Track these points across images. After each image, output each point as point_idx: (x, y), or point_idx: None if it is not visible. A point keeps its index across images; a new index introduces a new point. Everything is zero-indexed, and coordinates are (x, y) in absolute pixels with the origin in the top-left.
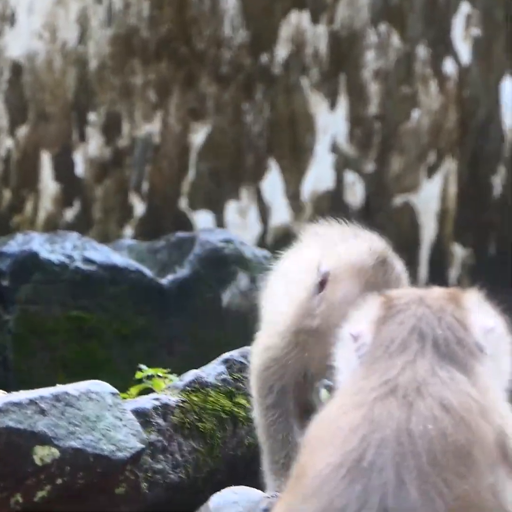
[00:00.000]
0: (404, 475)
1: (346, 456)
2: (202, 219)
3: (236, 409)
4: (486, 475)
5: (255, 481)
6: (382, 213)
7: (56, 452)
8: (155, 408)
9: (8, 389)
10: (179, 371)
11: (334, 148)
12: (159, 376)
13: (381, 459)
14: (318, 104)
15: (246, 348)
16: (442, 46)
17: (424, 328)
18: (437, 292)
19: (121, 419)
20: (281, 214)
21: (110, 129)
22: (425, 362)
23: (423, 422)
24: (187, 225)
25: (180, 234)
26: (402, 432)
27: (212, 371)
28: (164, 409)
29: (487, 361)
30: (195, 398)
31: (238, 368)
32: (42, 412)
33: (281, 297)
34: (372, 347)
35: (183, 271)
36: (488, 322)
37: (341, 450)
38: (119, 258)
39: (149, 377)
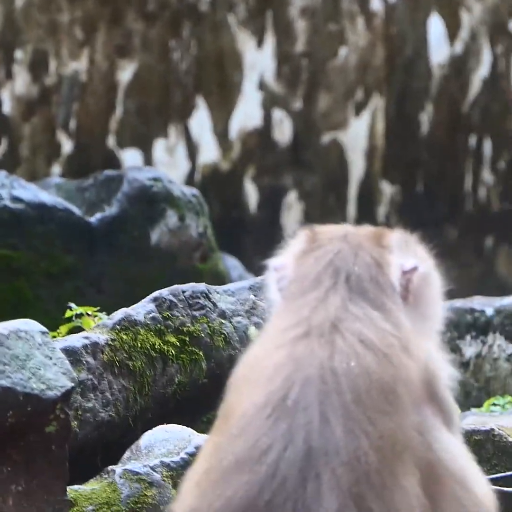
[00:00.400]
0: (328, 413)
1: (271, 396)
2: (130, 157)
3: (166, 347)
4: (411, 413)
5: (186, 419)
6: (310, 151)
7: None
8: (85, 347)
9: None
10: (108, 310)
11: (262, 86)
12: (88, 315)
13: (305, 398)
14: (245, 42)
15: (175, 286)
16: None
17: (339, 264)
18: (363, 229)
19: (51, 358)
20: (209, 152)
21: (37, 67)
22: (337, 299)
23: (346, 359)
24: (115, 163)
25: (108, 172)
26: (325, 370)
27: (141, 309)
28: (94, 348)
29: (403, 300)
30: (124, 337)
31: (167, 306)
32: None
33: None
34: (291, 283)
35: (111, 210)
36: (409, 263)
37: (266, 390)
38: (47, 197)
39: (79, 316)
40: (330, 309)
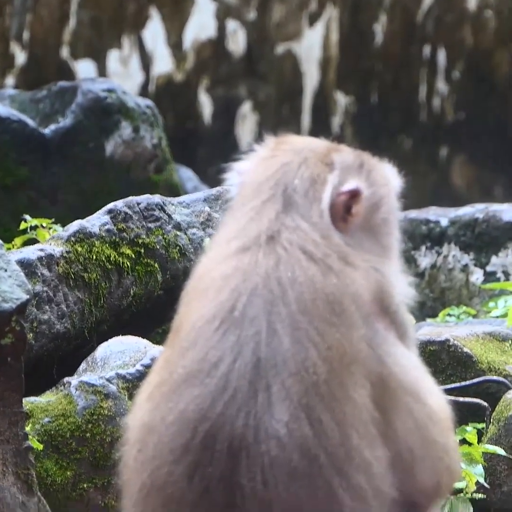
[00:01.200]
0: (275, 324)
1: (219, 308)
2: (84, 68)
3: (121, 259)
4: (360, 326)
5: (142, 331)
6: (264, 62)
7: None
8: (40, 259)
9: None
10: (63, 222)
11: None
12: (43, 227)
13: (252, 309)
14: None
15: (130, 198)
16: None
17: (281, 176)
18: (319, 144)
19: (6, 270)
20: (163, 63)
21: None
22: (271, 211)
23: (291, 270)
24: (69, 74)
25: (62, 83)
26: (271, 280)
27: (96, 221)
28: (49, 260)
29: (342, 221)
30: (79, 249)
31: (122, 218)
32: None
33: None
34: (240, 190)
35: (65, 121)
36: (349, 184)
37: (214, 302)
38: (1, 108)
39: (33, 228)
40: (263, 221)
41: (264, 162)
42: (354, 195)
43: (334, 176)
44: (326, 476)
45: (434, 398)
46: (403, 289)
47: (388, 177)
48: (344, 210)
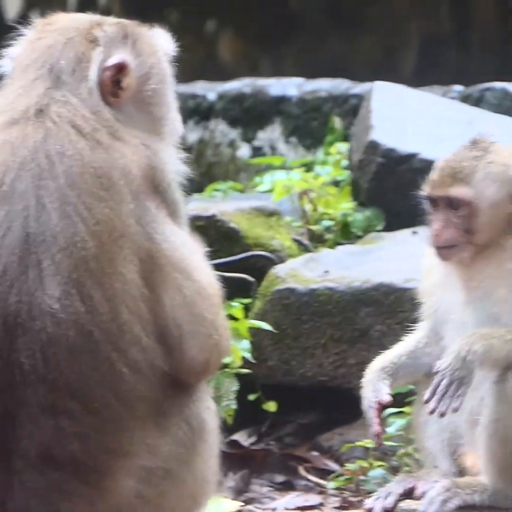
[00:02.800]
0: (44, 198)
1: None
2: None
3: None
4: (128, 201)
5: None
6: None
7: None
8: None
9: None
10: None
11: None
12: None
13: (21, 184)
14: None
15: None
16: None
17: (47, 57)
18: (83, 20)
19: None
20: None
21: None
22: (40, 88)
23: (59, 143)
24: None
25: None
26: (39, 153)
27: None
28: None
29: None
30: None
31: None
32: None
33: None
34: (11, 72)
35: None
36: (114, 59)
37: None
38: None
39: None
40: (32, 95)
41: (31, 45)
42: (121, 68)
43: (98, 52)
44: (104, 351)
45: (204, 275)
46: (175, 166)
47: (156, 45)
48: (112, 84)
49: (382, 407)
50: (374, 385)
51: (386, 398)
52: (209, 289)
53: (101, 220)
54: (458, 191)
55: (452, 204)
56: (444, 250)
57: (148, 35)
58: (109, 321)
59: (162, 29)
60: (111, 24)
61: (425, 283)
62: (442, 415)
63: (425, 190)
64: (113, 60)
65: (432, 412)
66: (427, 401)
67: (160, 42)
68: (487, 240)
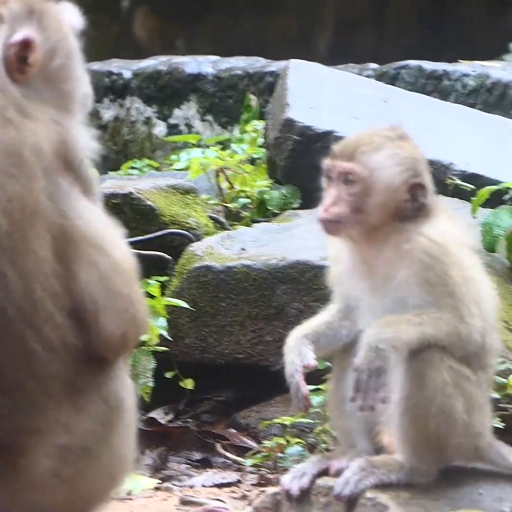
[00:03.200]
0: None
1: None
2: None
3: None
4: (40, 177)
5: None
6: None
7: None
8: None
9: None
10: None
11: None
12: None
13: None
14: None
15: None
16: None
17: None
18: None
19: None
20: None
21: None
22: None
23: None
24: None
25: None
26: None
27: None
28: None
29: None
30: None
31: None
32: None
33: None
34: None
35: None
36: (19, 35)
37: None
38: None
39: None
40: None
41: None
42: (26, 44)
43: (3, 30)
44: (18, 329)
45: (119, 250)
46: (86, 143)
47: (63, 20)
48: (18, 61)
49: (307, 374)
50: (298, 350)
51: (313, 362)
52: (124, 264)
53: (12, 198)
54: (354, 166)
55: (347, 179)
56: (330, 224)
57: (55, 10)
58: (22, 299)
59: (70, 4)
60: (16, 0)
61: (333, 271)
62: (372, 408)
63: (324, 162)
64: (18, 37)
65: (361, 409)
66: (353, 399)
67: (67, 17)
68: (377, 223)
